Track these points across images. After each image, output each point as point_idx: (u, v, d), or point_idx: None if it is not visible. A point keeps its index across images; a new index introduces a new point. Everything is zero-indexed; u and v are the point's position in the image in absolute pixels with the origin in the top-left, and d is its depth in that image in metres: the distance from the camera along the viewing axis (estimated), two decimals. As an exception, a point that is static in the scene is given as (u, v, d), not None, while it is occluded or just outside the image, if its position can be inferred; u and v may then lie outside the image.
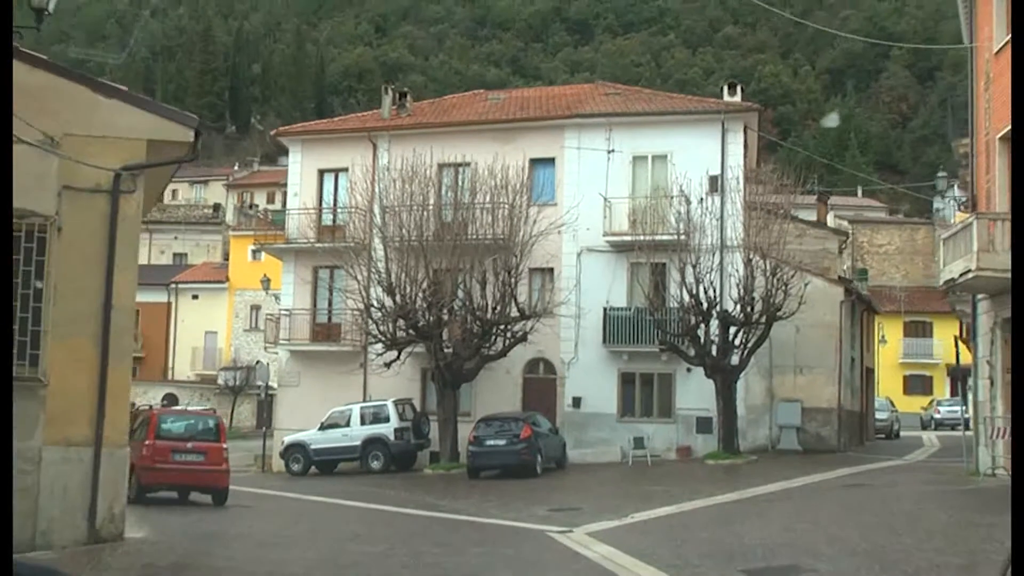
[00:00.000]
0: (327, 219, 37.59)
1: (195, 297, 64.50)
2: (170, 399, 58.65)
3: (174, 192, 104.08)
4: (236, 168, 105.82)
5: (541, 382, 35.03)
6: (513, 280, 31.38)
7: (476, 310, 31.25)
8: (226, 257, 69.35)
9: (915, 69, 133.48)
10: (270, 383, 38.53)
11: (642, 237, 32.23)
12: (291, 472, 33.75)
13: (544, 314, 32.37)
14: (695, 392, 33.31)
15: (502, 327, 32.07)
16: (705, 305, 30.73)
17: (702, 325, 31.01)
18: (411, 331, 31.72)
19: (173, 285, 64.62)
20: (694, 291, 30.65)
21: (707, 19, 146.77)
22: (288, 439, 34.51)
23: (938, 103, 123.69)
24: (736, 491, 22.84)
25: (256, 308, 60.22)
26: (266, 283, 39.88)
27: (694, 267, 30.69)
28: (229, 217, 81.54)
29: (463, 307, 31.81)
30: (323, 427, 33.68)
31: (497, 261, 31.44)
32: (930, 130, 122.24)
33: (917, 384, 67.42)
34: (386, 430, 32.95)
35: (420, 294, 31.32)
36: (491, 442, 29.01)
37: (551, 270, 34.51)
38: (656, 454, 31.80)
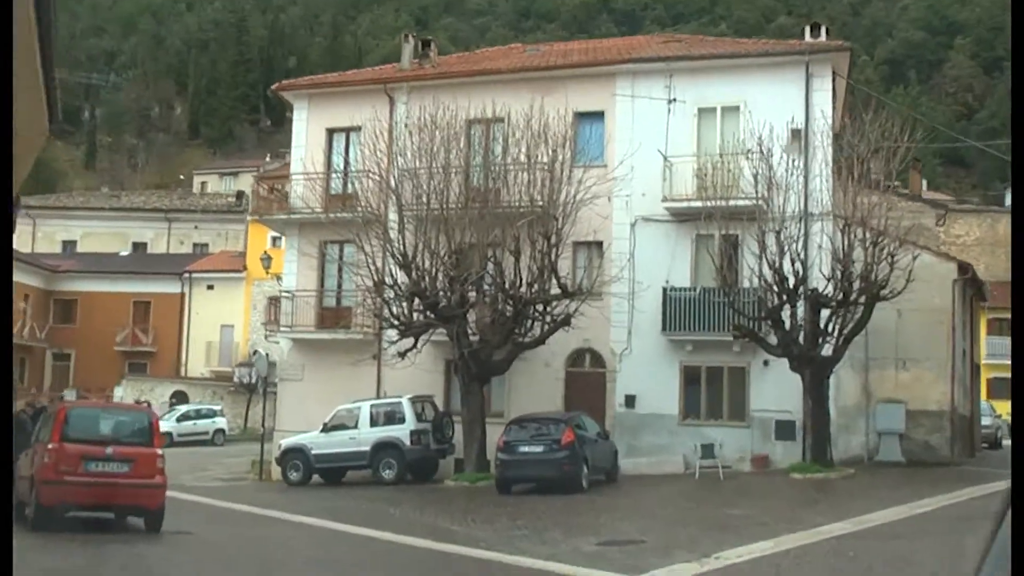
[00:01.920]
0: (337, 187, 32.15)
1: (210, 288, 59.43)
2: (179, 397, 53.67)
3: (203, 184, 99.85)
4: (268, 159, 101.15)
5: (587, 377, 29.37)
6: (554, 250, 25.77)
7: (508, 287, 25.63)
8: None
9: (980, 59, 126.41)
10: (270, 377, 33.05)
11: (711, 203, 26.45)
12: (289, 482, 28.34)
13: (591, 294, 26.73)
14: (774, 389, 27.54)
15: (540, 309, 26.48)
16: (791, 282, 24.93)
17: (787, 307, 25.20)
18: (429, 313, 26.19)
19: (187, 275, 59.60)
20: (777, 264, 24.87)
21: (759, 9, 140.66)
22: (285, 443, 29.11)
23: (1006, 94, 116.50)
24: (847, 519, 17.06)
25: (276, 300, 55.00)
26: (266, 261, 34.56)
27: (778, 234, 24.93)
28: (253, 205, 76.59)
29: (493, 284, 26.23)
30: (327, 429, 28.28)
31: (533, 226, 25.85)
32: (998, 122, 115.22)
33: (1002, 387, 60.84)
34: (400, 433, 27.46)
35: (440, 268, 25.79)
36: (525, 449, 23.46)
37: (599, 244, 28.80)
38: (726, 464, 26.02)
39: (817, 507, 19.36)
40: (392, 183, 27.64)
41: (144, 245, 71.31)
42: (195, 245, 71.18)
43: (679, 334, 28.24)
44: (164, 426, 49.08)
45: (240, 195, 76.40)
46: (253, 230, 57.90)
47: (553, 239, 25.60)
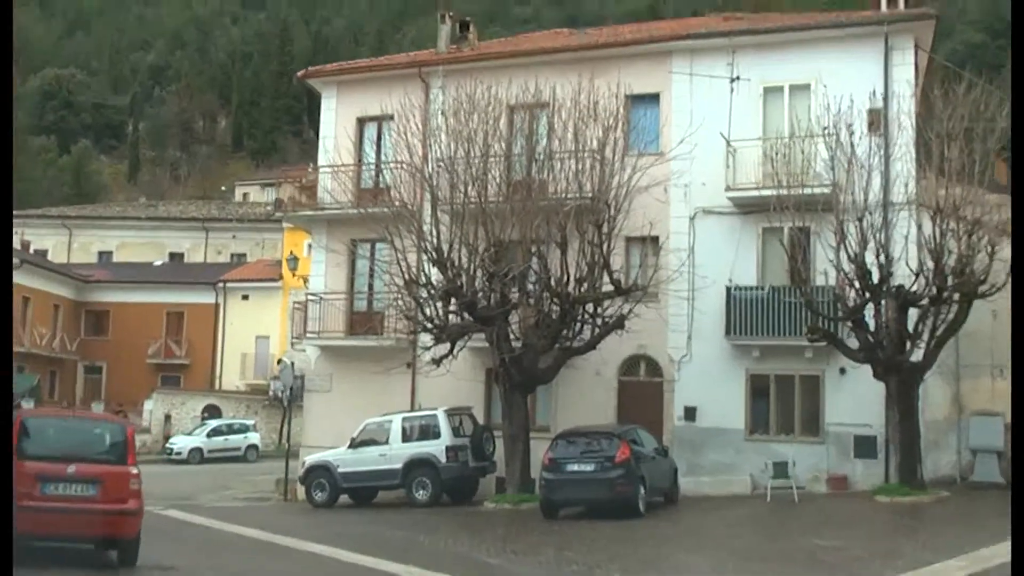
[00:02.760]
0: (368, 180, 29.56)
1: (245, 298, 57.23)
2: (211, 412, 51.38)
3: (245, 196, 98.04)
4: (311, 169, 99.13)
5: (642, 387, 26.51)
6: (605, 243, 23.00)
7: (554, 284, 22.87)
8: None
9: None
10: (295, 388, 30.48)
11: (781, 191, 23.50)
12: (314, 503, 25.73)
13: (647, 292, 23.93)
14: (851, 401, 24.54)
15: (590, 310, 23.71)
16: (876, 276, 21.96)
17: (870, 305, 22.22)
18: (466, 315, 23.51)
19: (221, 284, 57.43)
20: (859, 257, 21.91)
21: None
22: (310, 460, 26.52)
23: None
24: (960, 555, 14.08)
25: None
26: (292, 262, 32.10)
27: (860, 221, 21.97)
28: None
29: (537, 281, 23.48)
30: (355, 444, 25.65)
31: (582, 217, 23.12)
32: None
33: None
34: (435, 449, 24.77)
35: (478, 265, 23.09)
36: (574, 467, 20.65)
37: (655, 239, 25.88)
38: (799, 485, 23.04)
39: (918, 538, 16.43)
40: (426, 174, 25.00)
41: (181, 255, 69.39)
42: (233, 255, 69.14)
43: (745, 338, 25.31)
44: (194, 442, 47.14)
45: (278, 203, 74.20)
46: (290, 237, 55.61)
47: (605, 228, 22.81)
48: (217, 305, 57.41)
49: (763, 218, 24.77)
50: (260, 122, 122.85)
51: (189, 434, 47.78)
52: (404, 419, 25.70)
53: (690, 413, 25.91)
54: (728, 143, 25.57)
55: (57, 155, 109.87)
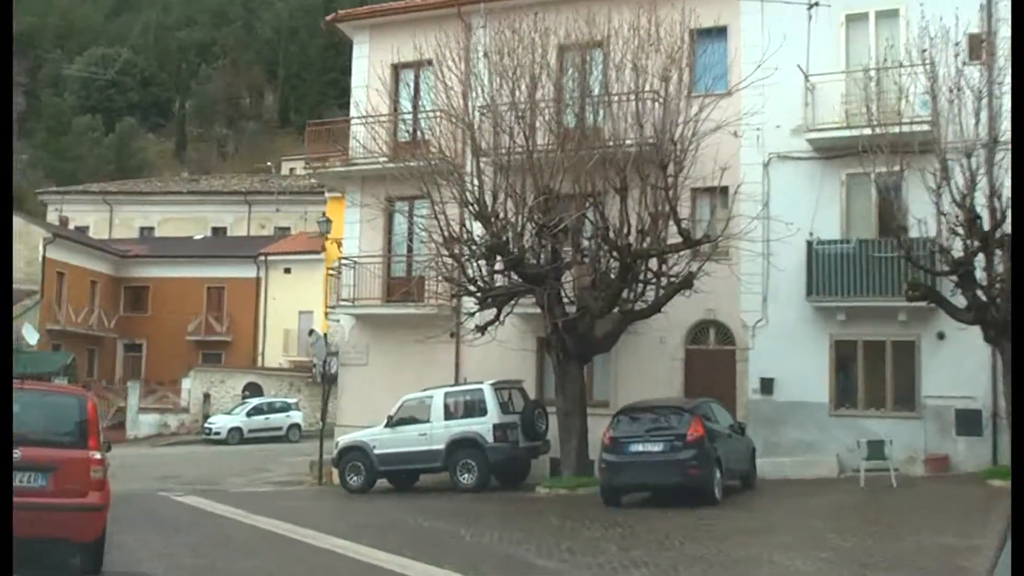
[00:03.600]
0: (405, 133, 26.90)
1: (287, 271, 54.94)
2: (253, 390, 49.24)
3: (291, 171, 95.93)
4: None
5: (712, 356, 23.68)
6: (672, 190, 20.15)
7: (615, 237, 20.03)
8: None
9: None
10: (331, 361, 27.97)
11: (868, 131, 20.48)
12: (348, 488, 23.22)
13: (718, 248, 21.09)
14: (952, 369, 21.54)
15: (653, 267, 20.88)
16: (986, 223, 18.92)
17: (979, 257, 19.19)
18: (514, 274, 20.81)
19: (262, 258, 55.22)
20: (968, 200, 18.88)
21: None
22: (343, 440, 24.01)
23: None
24: None
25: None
26: (324, 224, 29.58)
27: (968, 158, 18.93)
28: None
29: (594, 235, 20.68)
30: (392, 423, 23.08)
31: (642, 162, 20.28)
32: None
33: None
34: (482, 427, 22.11)
35: (526, 217, 20.34)
36: (639, 447, 17.88)
37: (723, 190, 22.86)
38: (894, 466, 20.05)
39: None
40: (468, 120, 22.26)
41: (224, 230, 67.36)
42: (277, 229, 66.95)
43: (829, 299, 22.36)
44: (233, 421, 45.02)
45: (308, 161, 71.92)
46: (333, 207, 53.07)
47: (671, 168, 19.95)
48: (258, 279, 55.26)
49: (848, 162, 21.86)
50: (307, 97, 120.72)
51: (228, 413, 45.68)
52: (447, 394, 23.08)
53: (766, 385, 23.02)
54: (806, 78, 22.57)
55: (103, 134, 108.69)
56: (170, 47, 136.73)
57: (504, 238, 20.14)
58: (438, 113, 23.39)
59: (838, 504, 17.38)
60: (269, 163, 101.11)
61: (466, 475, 22.08)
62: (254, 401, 46.26)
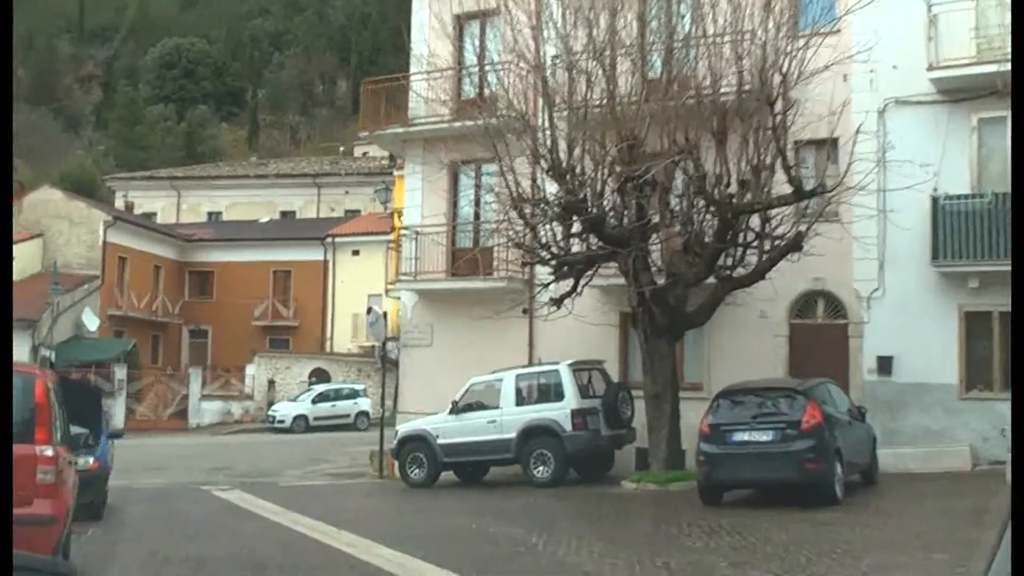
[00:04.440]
0: (469, 91, 24.32)
1: (356, 253, 52.77)
2: (319, 376, 47.21)
3: (364, 154, 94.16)
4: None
5: (820, 331, 20.73)
6: (780, 130, 17.25)
7: (710, 188, 17.18)
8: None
9: None
10: (390, 343, 25.53)
11: (1008, 66, 17.35)
12: (409, 482, 20.74)
13: (830, 201, 18.15)
14: (1107, 344, 18.30)
15: (755, 229, 18.01)
16: None
17: None
18: (593, 238, 18.11)
19: (330, 239, 53.17)
20: None
21: None
22: (403, 429, 21.55)
23: None
24: None
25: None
26: (384, 193, 27.17)
27: None
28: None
29: (686, 191, 17.87)
30: (456, 409, 20.54)
31: (740, 109, 17.41)
32: None
33: None
34: (558, 414, 19.43)
35: (608, 172, 17.62)
36: (744, 436, 15.07)
37: (833, 142, 19.86)
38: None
39: None
40: (541, 66, 19.58)
41: (292, 214, 65.59)
42: (347, 211, 64.95)
43: (958, 264, 19.29)
44: (298, 408, 43.01)
45: (393, 156, 69.85)
46: (402, 186, 50.80)
47: (779, 106, 17.07)
48: (326, 262, 53.25)
49: (980, 105, 18.85)
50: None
51: (293, 400, 43.68)
52: (519, 377, 20.46)
53: (884, 365, 20.02)
54: (928, 7, 19.47)
55: (176, 123, 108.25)
56: (243, 37, 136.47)
57: (582, 195, 17.41)
58: (507, 63, 20.75)
59: (984, 506, 14.40)
60: (341, 148, 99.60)
61: (541, 468, 19.43)
62: (320, 388, 44.24)
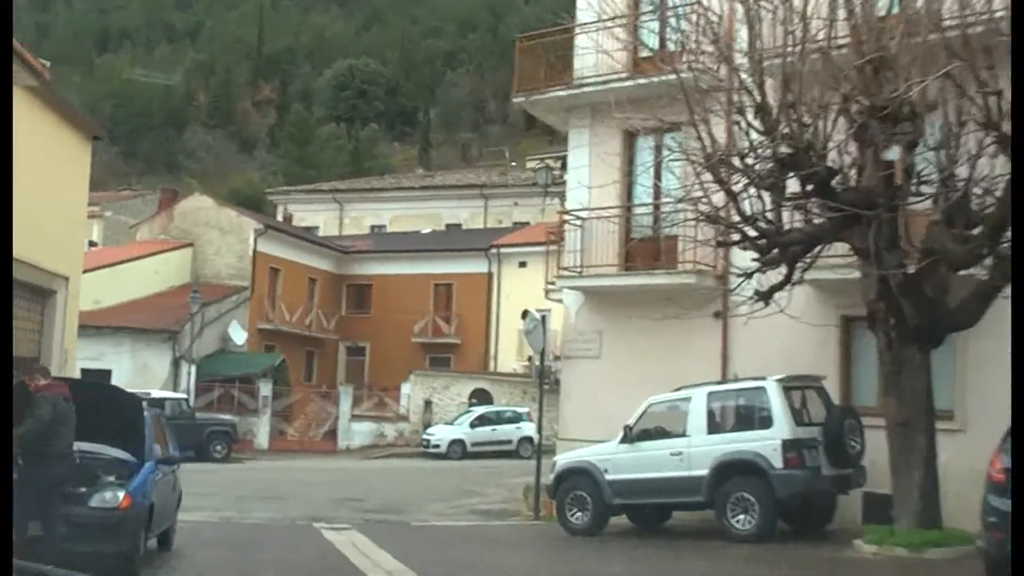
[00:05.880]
0: (648, 45, 19.79)
1: (522, 265, 48.58)
2: (480, 397, 43.28)
3: (535, 171, 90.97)
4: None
5: None
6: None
7: (999, 118, 12.08)
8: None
9: None
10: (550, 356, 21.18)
11: None
12: (569, 528, 16.26)
13: None
14: None
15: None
16: None
17: None
18: (819, 207, 13.30)
19: (494, 250, 49.41)
20: None
21: None
22: (563, 461, 17.09)
23: None
24: None
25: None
26: (544, 174, 22.01)
27: None
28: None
29: (945, 138, 12.84)
30: (630, 437, 15.95)
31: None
32: None
33: None
34: (764, 446, 14.59)
35: (841, 108, 12.81)
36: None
37: None
38: None
39: None
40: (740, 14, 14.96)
41: (458, 226, 62.40)
42: (515, 223, 61.22)
43: None
44: (455, 432, 39.19)
45: (564, 163, 65.92)
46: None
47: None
48: (490, 274, 49.44)
49: None
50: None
51: (450, 423, 39.85)
52: (711, 396, 15.74)
53: None
54: None
55: (347, 142, 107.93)
56: (416, 57, 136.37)
57: (804, 142, 12.63)
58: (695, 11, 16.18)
59: None
60: (514, 163, 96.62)
61: (741, 516, 14.64)
62: (479, 410, 40.27)
